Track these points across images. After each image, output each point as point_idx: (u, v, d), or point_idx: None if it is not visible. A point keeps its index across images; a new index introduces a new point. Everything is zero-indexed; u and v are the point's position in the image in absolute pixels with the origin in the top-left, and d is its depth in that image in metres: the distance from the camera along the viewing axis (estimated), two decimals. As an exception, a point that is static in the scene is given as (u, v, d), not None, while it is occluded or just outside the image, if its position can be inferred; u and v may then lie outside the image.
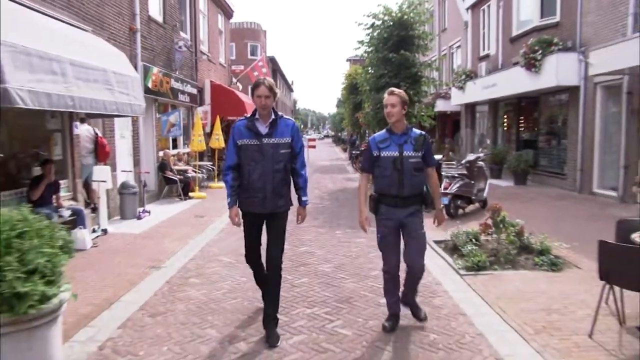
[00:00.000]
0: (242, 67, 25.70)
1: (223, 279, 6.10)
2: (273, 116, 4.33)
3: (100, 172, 9.03)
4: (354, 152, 26.75)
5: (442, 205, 4.80)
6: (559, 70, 12.64)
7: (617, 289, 4.41)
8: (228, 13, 22.90)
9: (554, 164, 15.13)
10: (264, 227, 4.51)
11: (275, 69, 50.50)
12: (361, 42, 15.71)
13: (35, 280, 3.33)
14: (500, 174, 16.98)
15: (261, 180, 4.26)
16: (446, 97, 22.86)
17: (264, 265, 4.55)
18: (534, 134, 16.78)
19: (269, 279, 4.47)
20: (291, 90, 77.75)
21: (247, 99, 19.68)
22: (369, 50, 15.38)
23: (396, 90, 4.44)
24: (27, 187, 7.68)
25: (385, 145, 4.37)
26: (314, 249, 7.71)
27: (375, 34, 14.80)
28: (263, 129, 4.29)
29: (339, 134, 64.12)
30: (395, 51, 13.96)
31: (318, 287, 5.84)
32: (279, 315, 4.53)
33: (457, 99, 21.21)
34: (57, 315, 3.62)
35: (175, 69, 14.87)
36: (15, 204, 6.75)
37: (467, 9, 21.23)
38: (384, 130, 4.52)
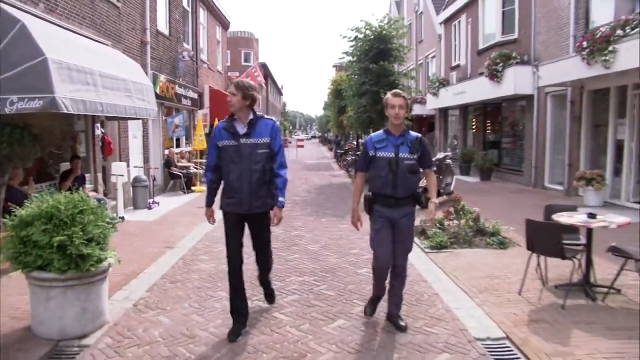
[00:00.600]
0: (237, 74, 26.40)
1: (228, 256, 6.84)
2: (251, 116, 4.11)
3: (118, 168, 9.74)
4: (339, 151, 27.66)
5: (437, 203, 4.38)
6: (516, 81, 13.55)
7: (542, 258, 5.29)
8: (225, 25, 23.60)
9: (515, 162, 16.09)
10: (247, 230, 4.35)
11: (266, 74, 51.01)
12: (346, 53, 16.53)
13: (94, 246, 4.11)
14: (469, 171, 17.90)
15: (239, 181, 4.05)
16: (422, 102, 23.76)
17: (244, 284, 4.37)
18: (499, 136, 17.73)
19: (259, 267, 4.66)
20: (281, 94, 78.31)
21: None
22: (353, 60, 16.20)
23: (401, 92, 4.22)
24: (59, 179, 8.41)
25: (382, 145, 4.16)
26: (303, 233, 8.50)
27: (358, 46, 15.61)
28: (241, 129, 4.07)
29: (326, 135, 64.89)
30: (375, 62, 14.76)
31: (307, 261, 6.64)
32: (275, 283, 5.28)
33: (432, 104, 22.12)
34: (106, 275, 4.40)
35: (180, 76, 15.57)
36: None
37: (441, 23, 22.11)
38: (381, 131, 4.32)
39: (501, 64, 14.06)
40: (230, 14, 23.69)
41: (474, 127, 19.99)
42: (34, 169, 7.81)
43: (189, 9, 17.37)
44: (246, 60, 42.28)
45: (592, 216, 4.99)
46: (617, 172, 10.53)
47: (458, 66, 20.09)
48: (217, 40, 22.29)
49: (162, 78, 13.56)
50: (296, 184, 16.38)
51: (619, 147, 10.44)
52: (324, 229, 8.92)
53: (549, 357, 3.73)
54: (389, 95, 4.22)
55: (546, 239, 4.79)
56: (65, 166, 8.83)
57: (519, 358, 3.80)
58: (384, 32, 14.79)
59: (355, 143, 25.12)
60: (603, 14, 10.66)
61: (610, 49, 8.70)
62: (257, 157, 4.04)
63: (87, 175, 9.25)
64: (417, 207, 4.32)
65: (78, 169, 8.47)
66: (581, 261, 4.98)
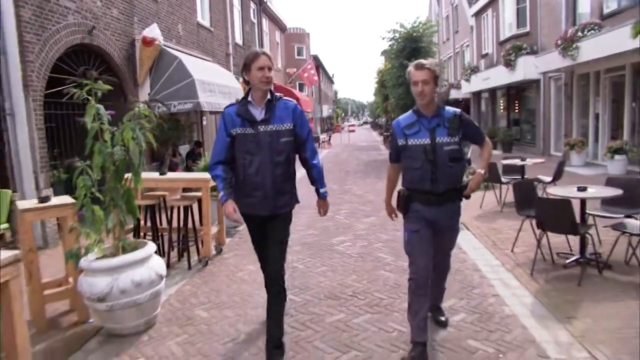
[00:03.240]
0: (294, 69, 30.28)
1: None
2: (268, 96, 3.42)
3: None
4: (385, 133, 31.17)
5: (484, 173, 3.49)
6: (525, 68, 16.54)
7: (500, 189, 8.73)
8: (283, 28, 27.50)
9: (530, 136, 19.08)
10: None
11: (317, 65, 54.74)
12: (385, 51, 20.05)
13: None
14: (495, 145, 20.97)
15: (259, 176, 3.37)
16: (458, 87, 26.81)
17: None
18: (519, 114, 20.70)
19: (269, 298, 3.51)
20: (332, 82, 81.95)
21: (300, 94, 24.27)
22: (391, 56, 19.66)
23: (426, 62, 3.34)
24: (185, 156, 12.51)
25: (413, 131, 3.37)
26: (353, 187, 12.22)
27: (394, 45, 19.04)
28: (258, 114, 3.39)
29: (376, 120, 68.09)
30: (408, 58, 18.10)
31: (354, 198, 10.37)
32: (331, 208, 8.99)
33: (466, 89, 25.14)
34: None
35: (251, 77, 19.53)
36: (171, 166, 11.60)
37: (472, 15, 25.03)
38: (409, 112, 3.48)
39: (513, 54, 17.10)
40: (285, 16, 27.60)
41: (501, 108, 22.94)
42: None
43: (255, 21, 21.31)
44: (299, 54, 45.87)
45: (522, 159, 8.41)
46: (597, 138, 13.54)
47: (486, 54, 23.01)
48: (277, 42, 26.20)
49: (240, 80, 17.52)
50: (348, 160, 20.16)
51: (597, 118, 13.44)
52: (367, 185, 12.60)
53: (477, 226, 7.27)
54: (410, 67, 3.39)
55: (493, 173, 8.27)
56: (182, 148, 12.94)
57: (463, 228, 7.33)
58: (414, 33, 18.13)
59: (399, 126, 28.49)
60: (585, 13, 13.62)
61: (574, 46, 11.79)
62: (279, 146, 3.38)
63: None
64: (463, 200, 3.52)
65: (200, 149, 12.55)
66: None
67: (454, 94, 26.98)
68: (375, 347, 3.62)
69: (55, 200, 4.37)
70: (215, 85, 11.10)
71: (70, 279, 4.46)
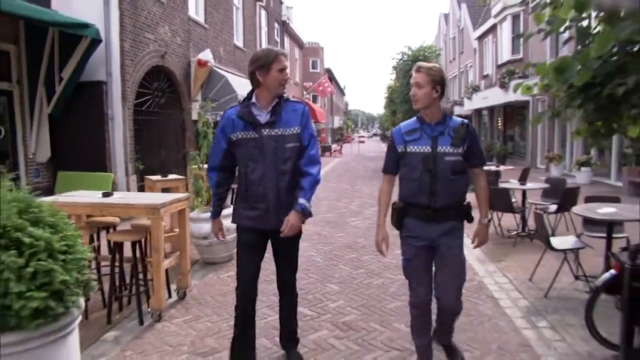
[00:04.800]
0: (310, 83, 32.81)
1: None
2: (276, 99, 3.07)
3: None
4: (392, 145, 33.64)
5: (488, 220, 3.24)
6: (517, 91, 18.85)
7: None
8: (301, 45, 30.10)
9: (522, 150, 21.39)
10: (269, 249, 3.31)
11: (330, 77, 57.32)
12: (394, 67, 22.52)
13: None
14: (491, 158, 23.25)
15: (262, 186, 3.04)
16: (460, 104, 29.17)
17: (255, 329, 3.37)
18: (513, 130, 23.03)
19: (282, 303, 3.48)
20: (343, 94, 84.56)
21: (315, 106, 26.73)
22: (399, 76, 22.11)
23: (425, 65, 3.02)
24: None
25: (413, 137, 3.03)
26: (363, 187, 14.57)
27: (401, 65, 21.50)
28: (263, 116, 3.05)
29: (385, 133, 70.43)
30: (414, 78, 20.53)
31: (364, 195, 12.69)
32: (345, 199, 11.32)
33: (468, 106, 27.52)
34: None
35: (274, 90, 22.05)
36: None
37: (475, 39, 27.45)
38: (413, 119, 3.14)
39: (507, 77, 19.45)
40: (301, 31, 30.18)
41: (498, 125, 25.28)
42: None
43: (278, 39, 23.85)
44: (313, 67, 48.45)
45: (497, 166, 10.73)
46: (572, 153, 15.82)
47: (487, 75, 25.40)
48: (295, 58, 28.75)
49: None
50: (358, 167, 22.59)
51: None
52: (374, 186, 14.87)
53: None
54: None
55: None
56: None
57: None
58: (420, 56, 20.54)
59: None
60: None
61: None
62: (285, 152, 3.05)
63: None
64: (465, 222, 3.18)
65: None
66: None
67: (456, 111, 29.30)
68: (375, 267, 5.99)
69: (172, 176, 6.75)
70: (251, 99, 13.50)
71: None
